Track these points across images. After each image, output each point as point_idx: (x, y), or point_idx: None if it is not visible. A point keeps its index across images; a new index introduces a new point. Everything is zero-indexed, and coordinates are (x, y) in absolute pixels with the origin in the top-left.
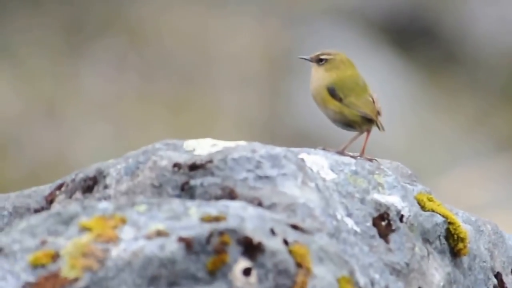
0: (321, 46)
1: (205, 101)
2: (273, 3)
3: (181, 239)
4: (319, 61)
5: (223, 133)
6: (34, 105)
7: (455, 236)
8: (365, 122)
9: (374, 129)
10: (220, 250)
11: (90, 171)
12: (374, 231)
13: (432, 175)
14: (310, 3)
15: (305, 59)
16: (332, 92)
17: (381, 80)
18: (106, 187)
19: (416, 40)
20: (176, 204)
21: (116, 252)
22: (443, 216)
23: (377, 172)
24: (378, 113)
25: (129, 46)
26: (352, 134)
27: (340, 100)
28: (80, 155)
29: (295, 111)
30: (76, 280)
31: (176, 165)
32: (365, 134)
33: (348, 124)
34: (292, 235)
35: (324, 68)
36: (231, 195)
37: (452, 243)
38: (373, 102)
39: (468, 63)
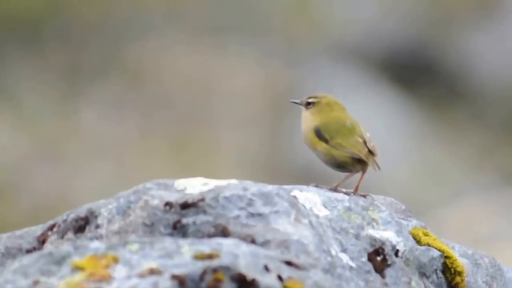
0: (322, 85)
1: (206, 140)
2: (273, 43)
3: (174, 277)
4: (307, 104)
5: (225, 171)
6: (35, 147)
7: (452, 269)
8: (357, 163)
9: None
10: (214, 287)
11: (82, 211)
12: (369, 266)
13: (436, 209)
14: (310, 42)
15: (295, 103)
16: (319, 134)
17: (384, 116)
18: (97, 226)
19: (418, 76)
20: (169, 242)
21: None
22: (439, 250)
23: (371, 208)
24: (372, 152)
25: (130, 86)
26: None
27: (326, 141)
28: (82, 196)
29: (296, 149)
30: None
31: (168, 204)
32: (360, 172)
33: (338, 165)
34: (286, 271)
35: (311, 111)
36: (224, 233)
37: (449, 277)
38: (364, 142)
39: (471, 98)
